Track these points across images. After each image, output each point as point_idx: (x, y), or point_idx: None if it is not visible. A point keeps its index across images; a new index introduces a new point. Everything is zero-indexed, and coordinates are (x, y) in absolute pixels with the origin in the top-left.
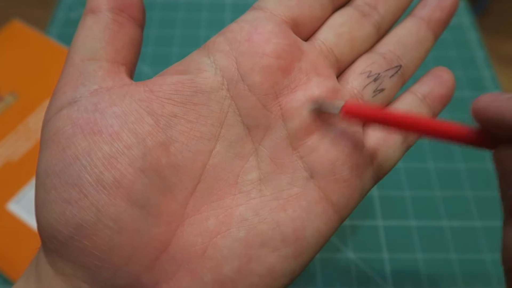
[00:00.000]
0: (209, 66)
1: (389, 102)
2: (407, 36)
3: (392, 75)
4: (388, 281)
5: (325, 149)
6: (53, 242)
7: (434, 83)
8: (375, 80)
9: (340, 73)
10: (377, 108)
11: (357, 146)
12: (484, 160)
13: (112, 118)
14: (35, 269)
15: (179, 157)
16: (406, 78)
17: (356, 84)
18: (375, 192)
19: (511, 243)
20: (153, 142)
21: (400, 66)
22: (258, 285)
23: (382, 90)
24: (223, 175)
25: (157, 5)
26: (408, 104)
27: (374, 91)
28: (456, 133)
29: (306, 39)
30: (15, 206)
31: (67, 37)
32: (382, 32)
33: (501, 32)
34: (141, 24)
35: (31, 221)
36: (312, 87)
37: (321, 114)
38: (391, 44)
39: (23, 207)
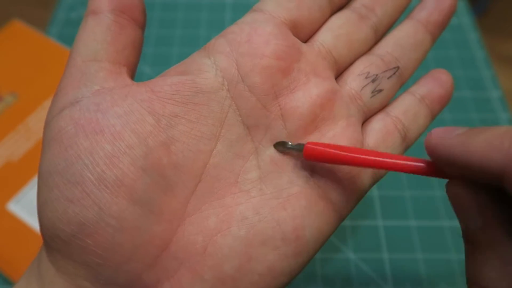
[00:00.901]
0: (209, 67)
1: (388, 102)
2: (405, 38)
3: (390, 76)
4: (388, 281)
5: None
6: (55, 241)
7: (433, 84)
8: (373, 81)
9: (338, 74)
10: (337, 149)
11: (356, 146)
12: None
13: (114, 118)
14: (37, 268)
15: (180, 157)
16: (404, 79)
17: (354, 85)
18: (375, 192)
19: (474, 272)
20: (155, 142)
21: (398, 67)
22: (258, 283)
23: (380, 90)
24: (224, 174)
25: (157, 5)
26: (407, 105)
27: (372, 92)
28: (413, 168)
29: (305, 41)
30: (15, 206)
31: (67, 37)
32: (379, 34)
33: (501, 32)
34: (142, 26)
35: (31, 221)
36: (311, 87)
37: (286, 152)
38: (389, 46)
39: (23, 207)
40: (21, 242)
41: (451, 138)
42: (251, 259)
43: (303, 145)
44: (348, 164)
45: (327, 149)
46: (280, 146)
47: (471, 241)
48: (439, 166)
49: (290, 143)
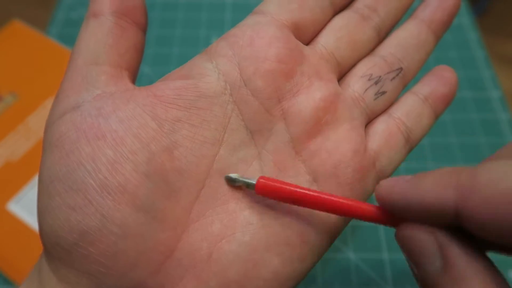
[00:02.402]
0: (211, 71)
1: (391, 104)
2: (408, 38)
3: (393, 78)
4: (388, 281)
5: (327, 153)
6: (57, 249)
7: (436, 83)
8: (376, 83)
9: (341, 76)
10: (289, 188)
11: (360, 149)
12: None
13: (116, 123)
14: (37, 276)
15: (183, 162)
16: (407, 81)
17: (357, 87)
18: None
19: None
20: (157, 147)
21: (401, 68)
22: None
23: (383, 92)
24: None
25: (157, 5)
26: (410, 106)
27: (376, 94)
28: (362, 213)
29: (307, 43)
30: (15, 206)
31: (67, 37)
32: (382, 35)
33: (501, 32)
34: (144, 28)
35: (31, 221)
36: (314, 91)
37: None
38: (392, 46)
39: (23, 207)
40: (21, 242)
41: (401, 184)
42: (256, 265)
43: (253, 182)
44: (300, 204)
45: (278, 185)
46: (231, 181)
47: (432, 286)
48: (392, 213)
49: (240, 178)
